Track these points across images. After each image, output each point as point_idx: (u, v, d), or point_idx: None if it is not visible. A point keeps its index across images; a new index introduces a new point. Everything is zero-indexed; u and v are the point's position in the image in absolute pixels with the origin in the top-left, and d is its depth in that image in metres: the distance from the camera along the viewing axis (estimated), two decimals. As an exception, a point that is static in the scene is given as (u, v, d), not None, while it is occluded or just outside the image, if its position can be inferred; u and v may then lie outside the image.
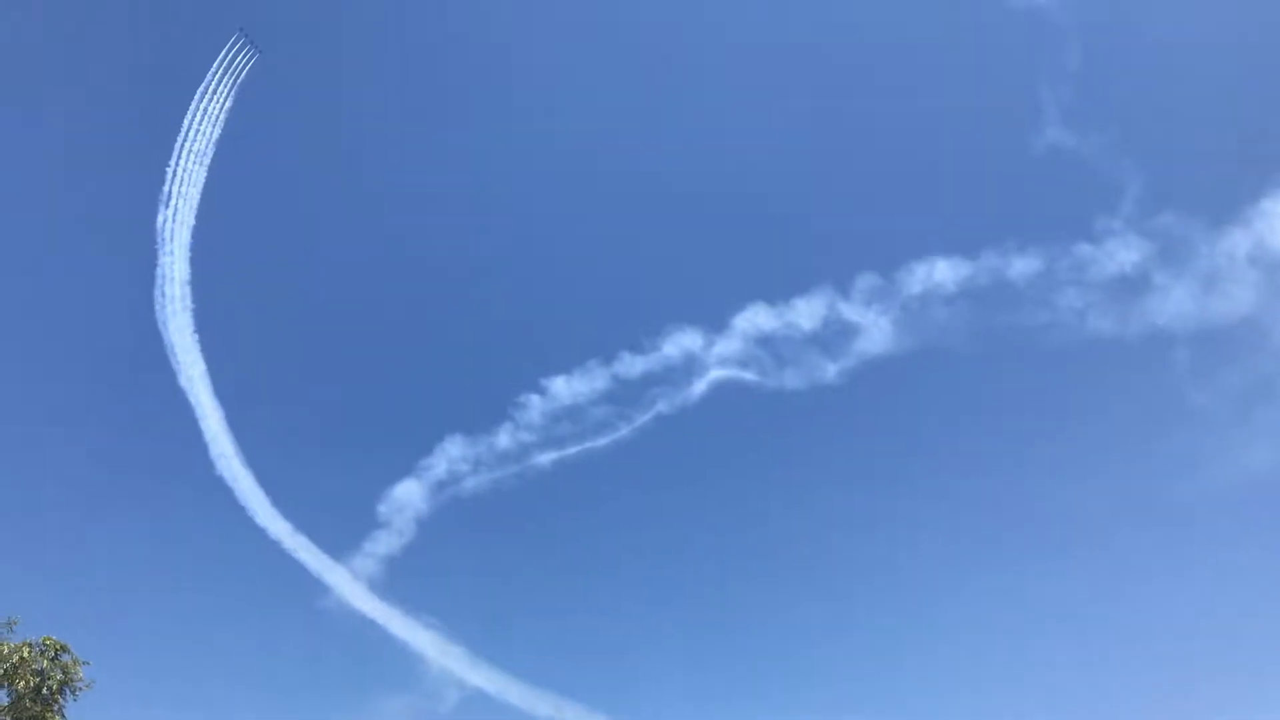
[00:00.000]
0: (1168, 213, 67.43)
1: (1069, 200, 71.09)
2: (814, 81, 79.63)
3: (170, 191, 64.47)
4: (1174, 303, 68.95)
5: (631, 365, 73.27)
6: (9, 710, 26.35)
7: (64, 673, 27.30)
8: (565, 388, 73.58)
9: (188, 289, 65.70)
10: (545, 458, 73.69)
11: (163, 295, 65.05)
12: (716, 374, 73.13)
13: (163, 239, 64.48)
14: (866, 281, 70.96)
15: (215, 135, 65.63)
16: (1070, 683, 68.59)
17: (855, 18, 78.86)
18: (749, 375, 72.99)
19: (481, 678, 70.84)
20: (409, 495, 74.14)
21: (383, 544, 73.03)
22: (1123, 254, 69.18)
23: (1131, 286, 69.14)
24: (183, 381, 67.91)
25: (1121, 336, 70.13)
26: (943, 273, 70.29)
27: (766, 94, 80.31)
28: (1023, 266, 69.60)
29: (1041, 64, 71.66)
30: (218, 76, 64.44)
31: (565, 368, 73.84)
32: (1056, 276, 69.49)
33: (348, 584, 71.92)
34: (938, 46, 77.36)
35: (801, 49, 79.78)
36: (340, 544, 72.36)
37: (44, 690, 27.04)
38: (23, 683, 26.71)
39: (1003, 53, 75.05)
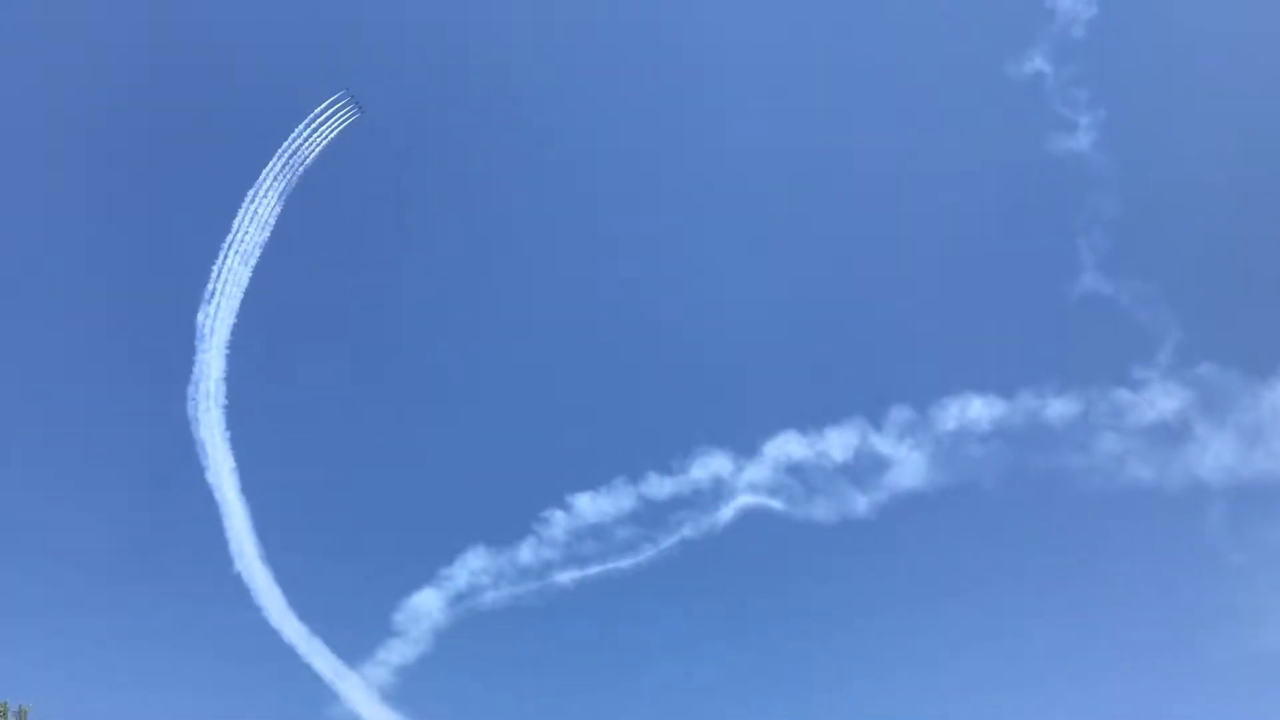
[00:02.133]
0: (1206, 363, 66.57)
1: (1105, 348, 70.71)
2: (855, 215, 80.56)
3: (214, 289, 65.70)
4: (1214, 454, 67.68)
5: (659, 487, 72.65)
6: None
7: None
8: (591, 505, 72.99)
9: (222, 386, 66.47)
10: (567, 575, 72.82)
11: (197, 390, 65.81)
12: (745, 500, 72.31)
13: (202, 335, 65.49)
14: (900, 415, 70.45)
15: (263, 238, 67.04)
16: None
17: (900, 157, 79.82)
18: (778, 503, 72.08)
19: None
20: (427, 605, 73.36)
21: (397, 653, 72.10)
22: (1162, 402, 68.17)
23: (1171, 435, 68.01)
24: (210, 477, 68.39)
25: (1159, 485, 68.70)
26: (978, 410, 69.67)
27: (810, 224, 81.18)
28: (1060, 408, 68.83)
29: (1080, 210, 71.94)
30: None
31: (592, 485, 73.30)
32: (1094, 421, 68.59)
33: (359, 692, 70.86)
34: (979, 188, 78.12)
35: (846, 181, 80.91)
36: (354, 650, 71.54)
37: None
38: None
39: (1041, 197, 75.52)
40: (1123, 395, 68.19)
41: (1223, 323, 72.20)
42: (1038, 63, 73.36)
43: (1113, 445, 68.38)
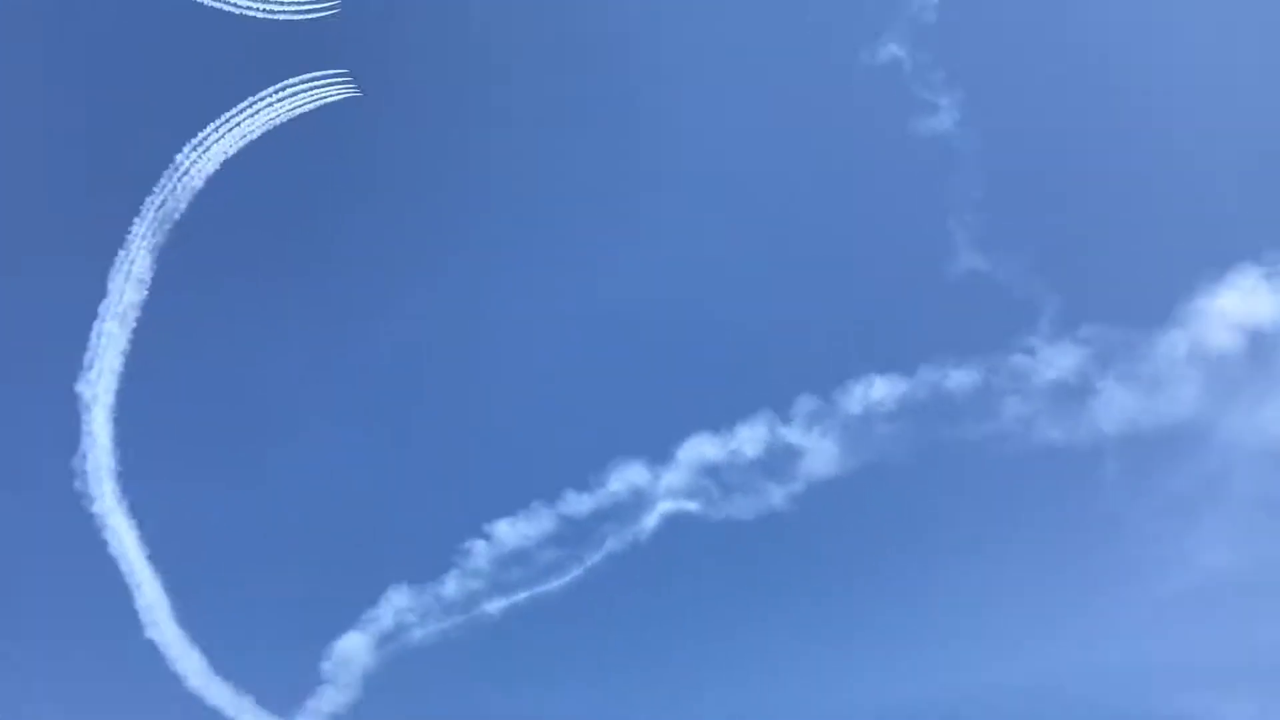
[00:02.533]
0: (1087, 325, 68.06)
1: (989, 321, 71.77)
2: (731, 211, 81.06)
3: (92, 355, 64.17)
4: (1117, 407, 69.04)
5: (578, 504, 72.36)
6: None
7: None
8: (511, 531, 72.48)
9: (112, 453, 64.94)
10: (494, 605, 72.30)
11: (85, 462, 64.22)
12: (666, 506, 72.31)
13: (85, 404, 63.94)
14: (806, 404, 70.91)
15: (139, 297, 65.62)
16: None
17: (769, 151, 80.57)
18: (698, 506, 72.21)
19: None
20: (354, 649, 72.36)
21: (328, 701, 71.12)
22: (1059, 361, 69.34)
23: (1071, 393, 69.27)
24: (112, 549, 66.83)
25: (1067, 444, 69.96)
26: (881, 390, 70.37)
27: (687, 223, 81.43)
28: (961, 379, 69.72)
29: (948, 190, 73.22)
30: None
31: (509, 511, 72.80)
32: (996, 388, 69.60)
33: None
34: (849, 175, 79.13)
35: (721, 178, 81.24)
36: (284, 704, 70.46)
37: None
38: None
39: (910, 180, 76.66)
40: (1020, 360, 69.31)
41: (1097, 286, 73.62)
42: (893, 49, 74.72)
43: (1017, 409, 69.49)
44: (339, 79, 66.68)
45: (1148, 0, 78.41)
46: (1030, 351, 69.16)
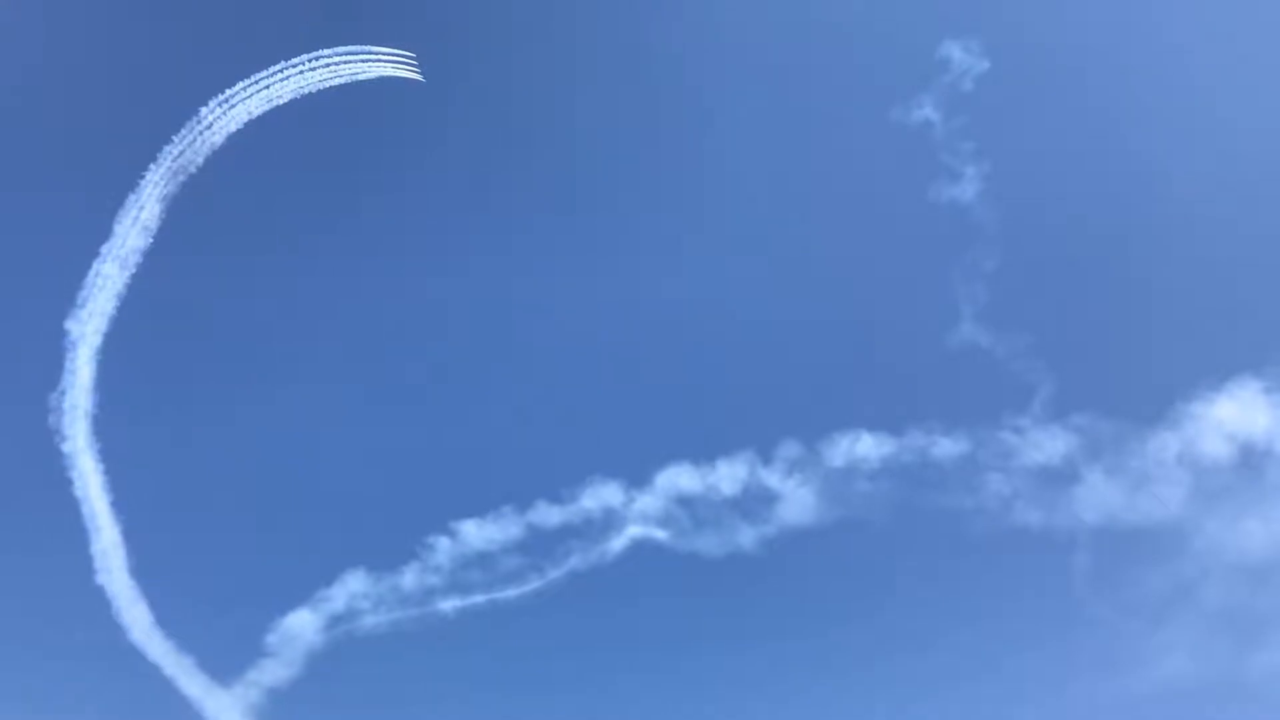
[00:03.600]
0: (1077, 415, 67.79)
1: (981, 396, 71.51)
2: (747, 251, 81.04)
3: (87, 294, 63.78)
4: (1100, 498, 68.64)
5: (548, 515, 71.80)
6: None
7: None
8: (477, 533, 71.90)
9: (92, 395, 64.47)
10: (450, 603, 71.63)
11: (63, 400, 63.74)
12: (635, 531, 71.71)
13: (72, 342, 63.51)
14: (789, 449, 70.48)
15: (143, 244, 65.27)
16: None
17: (790, 193, 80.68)
18: (668, 535, 71.64)
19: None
20: (302, 626, 71.61)
21: (269, 674, 70.32)
22: (1048, 445, 68.96)
23: (1058, 479, 68.87)
24: (77, 490, 66.27)
25: (1045, 528, 69.51)
26: (867, 447, 69.91)
27: (704, 260, 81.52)
28: (949, 448, 69.29)
29: (961, 260, 73.16)
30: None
31: (479, 512, 72.22)
32: (982, 462, 69.18)
33: (226, 713, 68.98)
34: (865, 230, 79.18)
35: (740, 216, 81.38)
36: (224, 671, 69.63)
37: None
38: None
39: (925, 244, 76.70)
40: (1009, 438, 68.91)
41: (1096, 375, 73.46)
42: (927, 111, 74.80)
43: (1000, 486, 69.06)
44: (376, 56, 66.43)
45: (1183, 100, 78.70)
46: (1020, 431, 68.85)
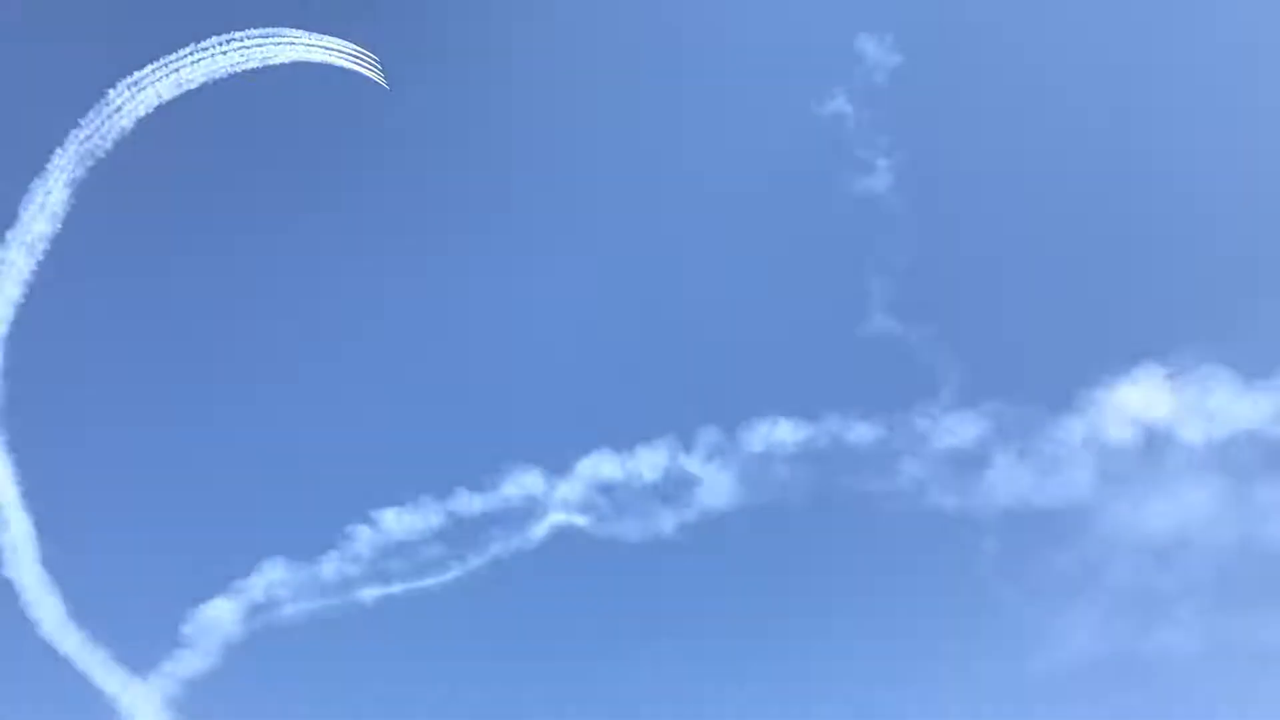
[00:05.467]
0: (987, 402, 69.25)
1: (896, 383, 72.73)
2: (665, 237, 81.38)
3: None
4: (1010, 482, 70.10)
5: (469, 503, 71.72)
6: None
7: None
8: (397, 522, 71.60)
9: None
10: (370, 592, 71.28)
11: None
12: (557, 518, 71.89)
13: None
14: (709, 435, 71.15)
15: (51, 230, 63.87)
16: None
17: (709, 177, 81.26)
18: (589, 522, 71.93)
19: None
20: (219, 616, 70.85)
21: (186, 665, 69.50)
22: (961, 430, 70.31)
23: (969, 463, 70.25)
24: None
25: (958, 510, 70.92)
26: (784, 432, 70.76)
27: (621, 245, 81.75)
28: (863, 433, 70.40)
29: (872, 251, 74.28)
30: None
31: (398, 500, 71.92)
32: (895, 446, 70.38)
33: (143, 705, 68.10)
34: (779, 219, 79.93)
35: (655, 201, 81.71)
36: (139, 662, 68.68)
37: None
38: None
39: (837, 234, 77.73)
40: (921, 423, 70.20)
41: (1005, 362, 75.05)
42: (840, 103, 75.71)
43: (914, 470, 70.35)
44: (289, 39, 65.40)
45: (1093, 90, 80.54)
46: (932, 417, 70.20)
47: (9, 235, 63.00)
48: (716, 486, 70.72)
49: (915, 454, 70.02)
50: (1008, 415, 69.89)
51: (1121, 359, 69.56)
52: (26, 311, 63.71)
